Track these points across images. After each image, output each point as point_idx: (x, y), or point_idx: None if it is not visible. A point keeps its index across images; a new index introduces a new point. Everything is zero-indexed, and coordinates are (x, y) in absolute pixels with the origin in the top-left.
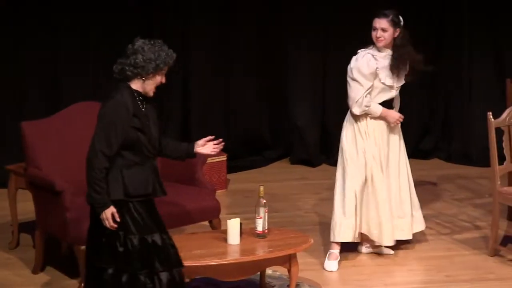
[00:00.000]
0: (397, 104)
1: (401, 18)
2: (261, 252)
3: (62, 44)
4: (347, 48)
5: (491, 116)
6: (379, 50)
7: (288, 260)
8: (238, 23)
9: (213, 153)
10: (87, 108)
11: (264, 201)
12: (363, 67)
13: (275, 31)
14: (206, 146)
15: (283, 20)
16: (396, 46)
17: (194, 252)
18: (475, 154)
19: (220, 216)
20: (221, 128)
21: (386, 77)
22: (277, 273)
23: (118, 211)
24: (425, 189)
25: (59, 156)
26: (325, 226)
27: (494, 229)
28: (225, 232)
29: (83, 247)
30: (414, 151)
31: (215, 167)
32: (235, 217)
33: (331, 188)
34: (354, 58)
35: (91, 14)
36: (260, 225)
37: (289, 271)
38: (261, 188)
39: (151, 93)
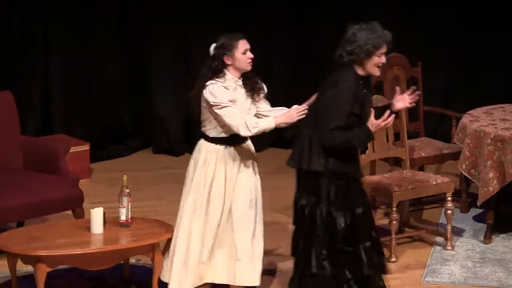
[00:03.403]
0: None
1: None
2: (125, 241)
3: None
4: (208, 36)
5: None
6: (230, 80)
7: (152, 250)
8: (98, 10)
9: (409, 105)
10: None
11: (128, 190)
12: (224, 96)
13: (136, 18)
14: (401, 99)
15: (145, 7)
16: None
17: (57, 242)
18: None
19: (84, 205)
20: (83, 117)
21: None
22: (141, 262)
23: (316, 182)
24: (291, 177)
25: None
26: None
27: None
28: (88, 221)
29: None
30: (276, 141)
31: (78, 156)
32: (98, 206)
33: None
34: (207, 93)
35: None
36: (124, 214)
37: (152, 260)
38: (124, 177)
39: (376, 73)
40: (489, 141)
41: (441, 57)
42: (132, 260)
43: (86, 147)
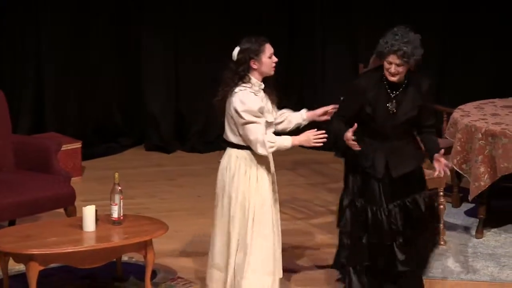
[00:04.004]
0: None
1: None
2: (117, 238)
3: None
4: (199, 34)
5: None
6: (255, 85)
7: (144, 247)
8: (93, 9)
9: (437, 174)
10: None
11: (120, 188)
12: (254, 105)
13: (129, 17)
14: (438, 163)
15: (138, 6)
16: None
17: (49, 240)
18: (330, 139)
19: (76, 203)
20: (76, 115)
21: (267, 114)
22: (133, 259)
23: (345, 173)
24: (280, 174)
25: None
26: (180, 212)
27: None
28: (80, 219)
29: None
30: None
31: (70, 154)
32: (90, 204)
33: (187, 174)
34: (237, 100)
35: None
36: (116, 212)
37: (145, 257)
38: (116, 175)
39: (387, 77)
40: (480, 135)
41: (431, 52)
42: (125, 258)
43: (77, 145)
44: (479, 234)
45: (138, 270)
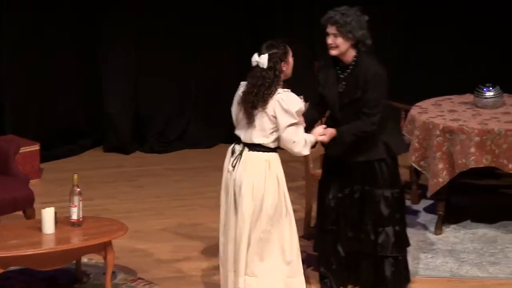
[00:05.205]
0: None
1: None
2: (76, 240)
3: None
4: (159, 35)
5: (303, 100)
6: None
7: (104, 248)
8: (52, 8)
9: None
10: None
11: (79, 189)
12: (301, 105)
13: (89, 18)
14: None
15: (98, 6)
16: None
17: (8, 243)
18: None
19: (34, 205)
20: (34, 117)
21: None
22: (93, 261)
23: None
24: None
25: None
26: (139, 213)
27: (308, 211)
28: (39, 221)
29: None
30: (227, 137)
31: (28, 156)
32: (49, 206)
33: (145, 175)
34: (287, 101)
35: None
36: (75, 213)
37: (104, 258)
38: (75, 176)
39: (329, 52)
40: (438, 132)
41: (389, 50)
42: (84, 259)
43: (36, 147)
44: (438, 230)
45: (98, 272)
